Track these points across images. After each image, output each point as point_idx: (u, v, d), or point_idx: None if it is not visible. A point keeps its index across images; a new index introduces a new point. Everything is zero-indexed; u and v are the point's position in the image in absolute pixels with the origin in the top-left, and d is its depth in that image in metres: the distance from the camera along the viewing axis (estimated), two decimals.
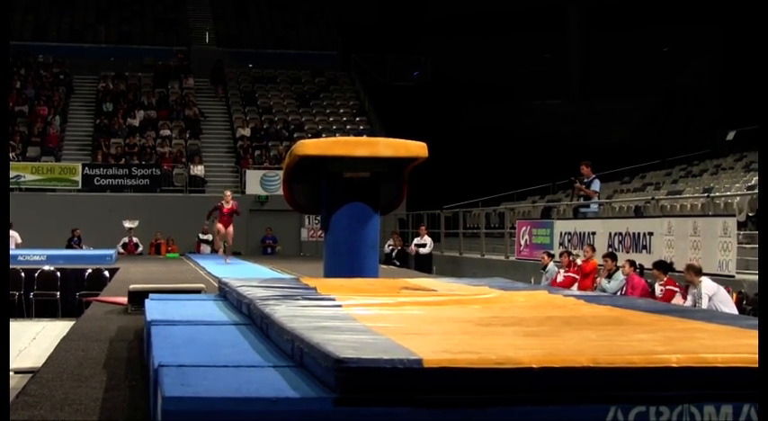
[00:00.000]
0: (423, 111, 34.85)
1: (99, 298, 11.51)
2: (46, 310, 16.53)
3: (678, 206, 18.39)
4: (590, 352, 3.93)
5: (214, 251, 23.14)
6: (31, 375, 6.26)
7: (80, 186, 26.90)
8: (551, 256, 15.86)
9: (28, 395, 5.13)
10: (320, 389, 3.86)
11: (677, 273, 12.65)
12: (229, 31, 37.20)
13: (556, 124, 37.40)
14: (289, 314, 5.34)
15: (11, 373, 6.56)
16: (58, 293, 16.84)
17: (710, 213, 14.60)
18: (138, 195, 26.92)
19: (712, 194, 17.19)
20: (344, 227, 10.07)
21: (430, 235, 22.65)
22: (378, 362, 3.67)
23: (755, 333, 4.68)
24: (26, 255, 18.62)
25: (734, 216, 13.51)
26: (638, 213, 18.47)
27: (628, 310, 6.04)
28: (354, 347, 3.92)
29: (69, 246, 23.01)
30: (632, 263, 12.78)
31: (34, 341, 11.46)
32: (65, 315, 15.66)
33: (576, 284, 14.12)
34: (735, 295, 11.40)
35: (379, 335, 4.49)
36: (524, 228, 19.15)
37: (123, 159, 28.24)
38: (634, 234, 14.66)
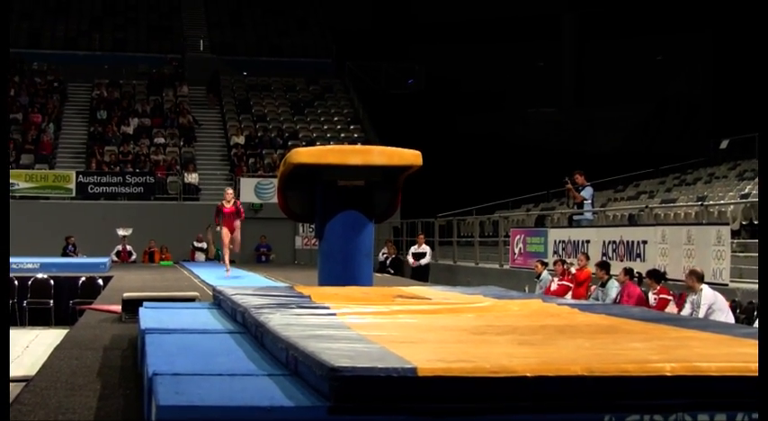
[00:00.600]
0: (417, 119, 34.87)
1: (93, 306, 11.47)
2: (39, 319, 16.47)
3: (672, 214, 18.43)
4: (584, 360, 3.93)
5: (209, 259, 23.11)
6: (24, 384, 6.24)
7: (74, 194, 26.87)
8: (545, 265, 15.86)
9: (21, 403, 5.12)
10: (315, 397, 3.85)
11: (670, 282, 12.69)
12: (224, 39, 37.22)
13: (550, 132, 37.46)
14: (283, 322, 5.34)
15: None
16: (52, 301, 16.80)
17: (704, 222, 14.64)
18: (132, 203, 26.88)
19: (706, 203, 17.24)
20: (339, 235, 10.07)
21: (428, 243, 22.27)
22: (372, 371, 3.67)
23: (749, 341, 4.70)
24: (19, 263, 18.56)
25: (727, 224, 13.55)
26: (632, 221, 18.50)
27: (622, 319, 6.05)
28: (349, 356, 3.92)
29: (64, 254, 22.96)
30: (629, 271, 12.76)
31: (27, 349, 11.44)
32: (58, 323, 15.61)
33: (570, 293, 14.13)
34: (729, 303, 11.41)
35: (374, 343, 4.49)
36: (518, 237, 19.17)
37: (117, 167, 28.22)
38: (628, 242, 14.68)
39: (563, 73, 40.38)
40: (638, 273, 12.87)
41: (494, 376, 3.69)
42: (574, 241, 16.55)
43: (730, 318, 10.66)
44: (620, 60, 37.61)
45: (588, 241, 15.95)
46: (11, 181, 25.72)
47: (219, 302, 8.37)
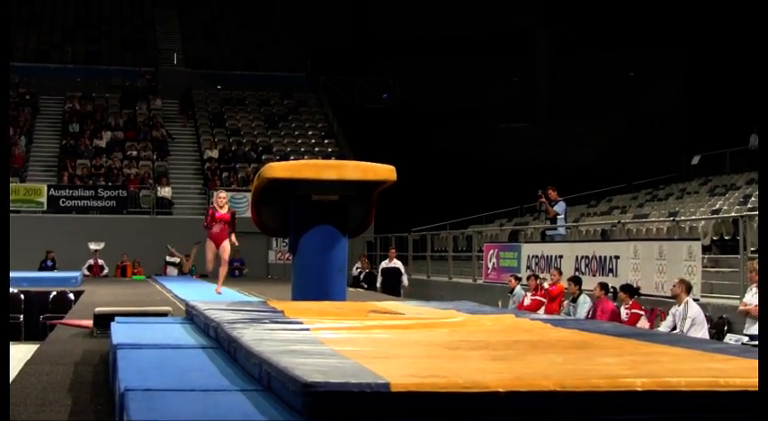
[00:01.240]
0: (391, 134, 34.92)
1: (64, 321, 11.37)
2: (9, 334, 16.28)
3: (644, 230, 18.56)
4: (556, 376, 3.95)
5: (182, 273, 22.96)
6: None
7: (45, 208, 26.67)
8: (518, 280, 15.92)
9: None
10: (288, 412, 3.85)
11: (643, 297, 12.77)
12: (198, 53, 37.17)
13: (524, 147, 37.63)
14: (256, 337, 5.32)
15: None
16: (22, 316, 16.58)
17: (676, 237, 14.76)
18: (105, 217, 26.69)
19: (677, 218, 17.38)
20: (312, 249, 10.07)
21: (399, 258, 21.85)
22: (346, 386, 3.67)
23: (719, 356, 4.76)
24: None
25: (698, 240, 13.67)
26: (605, 237, 18.61)
27: (594, 334, 6.09)
28: (322, 371, 3.92)
29: (42, 269, 22.73)
30: (604, 286, 12.81)
31: None
32: (28, 338, 15.42)
33: (543, 308, 14.18)
34: None
35: (347, 358, 4.49)
36: (492, 251, 19.23)
37: (90, 180, 28.06)
38: (600, 257, 14.77)
39: (537, 88, 40.66)
40: (613, 287, 12.95)
41: (466, 391, 3.70)
42: (547, 256, 16.63)
43: (706, 334, 10.73)
44: (594, 76, 37.95)
45: (561, 256, 16.03)
46: None
47: (192, 317, 8.33)
